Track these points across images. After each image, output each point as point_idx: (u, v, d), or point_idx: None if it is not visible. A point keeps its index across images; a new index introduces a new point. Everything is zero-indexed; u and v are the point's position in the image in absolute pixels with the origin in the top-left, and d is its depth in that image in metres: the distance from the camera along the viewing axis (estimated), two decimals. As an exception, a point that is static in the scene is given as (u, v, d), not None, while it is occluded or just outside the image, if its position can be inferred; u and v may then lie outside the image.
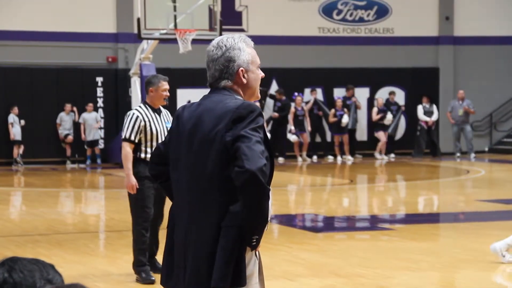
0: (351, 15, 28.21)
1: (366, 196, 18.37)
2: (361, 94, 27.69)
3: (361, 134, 27.76)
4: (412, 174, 22.70)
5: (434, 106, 27.42)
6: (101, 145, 25.86)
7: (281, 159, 25.76)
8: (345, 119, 26.22)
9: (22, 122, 24.99)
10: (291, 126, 26.22)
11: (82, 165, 25.40)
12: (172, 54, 22.22)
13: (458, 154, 26.49)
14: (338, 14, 28.09)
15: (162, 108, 8.93)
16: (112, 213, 14.77)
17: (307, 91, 27.18)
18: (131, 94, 23.34)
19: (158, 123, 8.77)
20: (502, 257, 9.39)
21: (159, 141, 8.63)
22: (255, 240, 4.02)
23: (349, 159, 26.31)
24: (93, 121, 25.53)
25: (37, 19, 25.42)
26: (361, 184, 21.02)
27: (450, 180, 21.71)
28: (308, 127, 26.57)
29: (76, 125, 25.59)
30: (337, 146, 26.57)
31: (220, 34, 17.51)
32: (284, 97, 26.28)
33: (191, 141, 4.16)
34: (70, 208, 16.42)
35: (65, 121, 25.41)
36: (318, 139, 27.18)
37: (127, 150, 8.70)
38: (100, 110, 26.09)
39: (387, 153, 27.11)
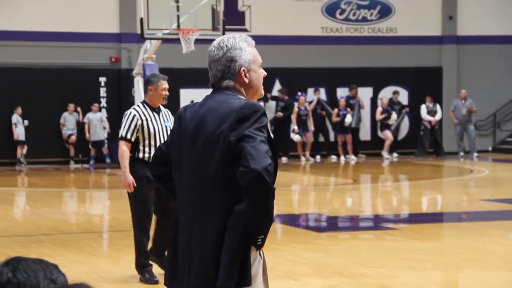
0: (354, 14, 28.19)
1: (370, 196, 18.36)
2: (364, 93, 27.66)
3: (365, 134, 27.75)
4: (415, 173, 22.68)
5: (438, 106, 27.40)
6: (105, 145, 25.86)
7: (284, 159, 25.74)
8: (348, 119, 26.20)
9: (26, 122, 24.99)
10: (294, 126, 26.20)
11: (85, 165, 25.41)
12: (175, 54, 22.18)
13: (462, 154, 26.46)
14: (341, 13, 28.07)
15: (162, 108, 8.87)
16: (116, 213, 14.77)
17: (310, 90, 27.17)
18: (134, 94, 23.30)
19: (156, 122, 8.72)
20: None
21: (157, 140, 8.61)
22: (260, 239, 4.02)
23: (353, 158, 26.30)
24: (98, 121, 25.52)
25: (40, 19, 25.42)
26: (365, 184, 21.00)
27: (454, 179, 21.69)
28: (311, 126, 26.55)
29: (80, 125, 25.59)
30: (341, 146, 26.55)
31: (223, 34, 17.49)
32: (287, 97, 26.26)
33: (194, 141, 4.15)
34: (74, 208, 16.44)
35: (68, 121, 25.42)
36: (321, 138, 27.17)
37: (123, 148, 8.70)
38: (104, 110, 26.09)
39: (390, 152, 27.10)
